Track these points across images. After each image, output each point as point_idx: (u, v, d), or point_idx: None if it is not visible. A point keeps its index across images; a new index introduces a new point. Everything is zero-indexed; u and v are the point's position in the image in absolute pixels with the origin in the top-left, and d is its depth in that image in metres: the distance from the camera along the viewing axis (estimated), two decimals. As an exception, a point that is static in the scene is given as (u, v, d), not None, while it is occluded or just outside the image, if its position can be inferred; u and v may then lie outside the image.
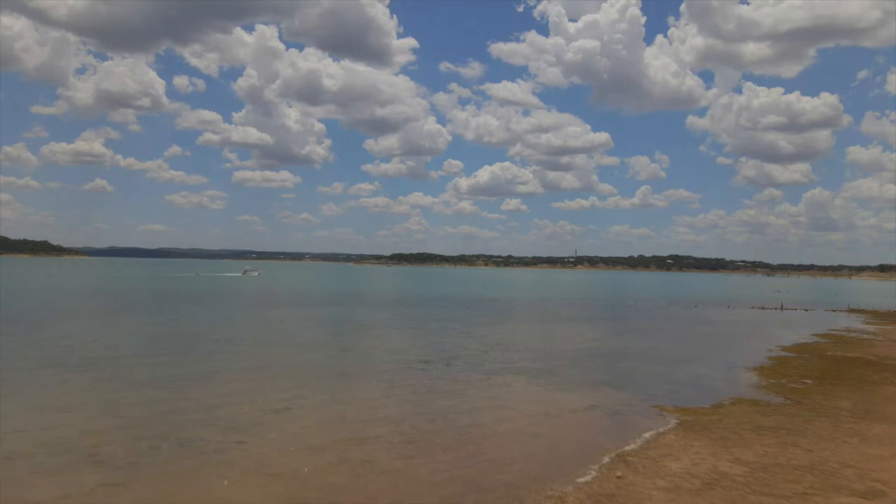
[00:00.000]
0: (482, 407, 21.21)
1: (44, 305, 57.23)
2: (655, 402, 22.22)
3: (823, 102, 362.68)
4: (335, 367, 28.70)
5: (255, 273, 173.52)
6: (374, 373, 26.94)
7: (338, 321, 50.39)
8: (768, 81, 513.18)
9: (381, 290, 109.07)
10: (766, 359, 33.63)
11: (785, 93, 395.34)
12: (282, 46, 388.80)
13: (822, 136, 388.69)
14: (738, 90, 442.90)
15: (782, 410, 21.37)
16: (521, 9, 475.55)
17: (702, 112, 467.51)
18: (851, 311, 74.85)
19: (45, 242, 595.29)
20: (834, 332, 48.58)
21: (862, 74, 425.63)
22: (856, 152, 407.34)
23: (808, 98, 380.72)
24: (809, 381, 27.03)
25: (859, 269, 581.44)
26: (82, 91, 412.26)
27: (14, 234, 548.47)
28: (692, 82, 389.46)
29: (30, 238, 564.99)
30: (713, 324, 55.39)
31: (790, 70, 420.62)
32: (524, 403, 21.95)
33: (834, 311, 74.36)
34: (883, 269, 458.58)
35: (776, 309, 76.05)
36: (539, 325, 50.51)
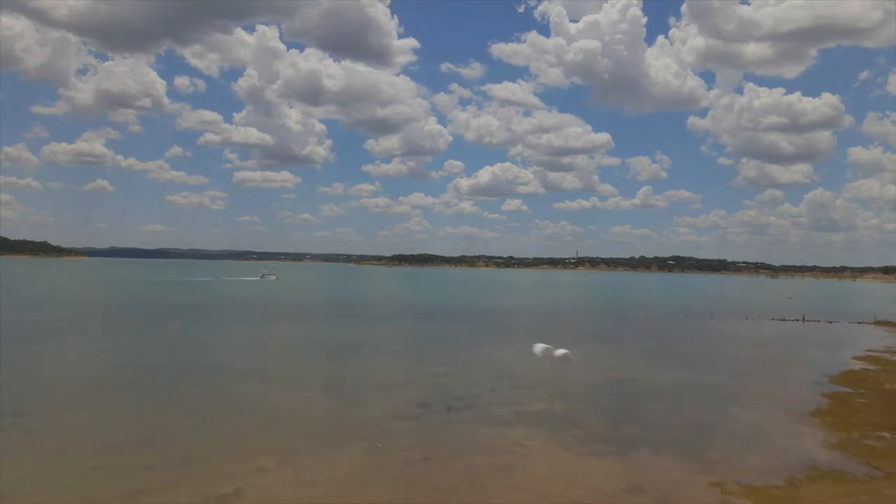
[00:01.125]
0: (491, 487, 16.48)
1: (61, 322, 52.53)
2: (713, 476, 17.49)
3: (825, 103, 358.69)
4: (313, 418, 23.92)
5: (273, 277, 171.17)
6: (359, 427, 22.14)
7: (332, 342, 45.79)
8: (769, 82, 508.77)
9: (381, 299, 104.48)
10: (819, 395, 28.93)
11: (786, 93, 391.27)
12: (282, 47, 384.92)
13: (824, 137, 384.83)
14: (739, 91, 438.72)
15: (876, 489, 16.65)
16: (521, 9, 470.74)
17: (703, 112, 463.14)
18: (879, 323, 70.03)
19: (45, 243, 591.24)
20: (875, 354, 43.83)
21: (863, 75, 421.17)
22: (857, 153, 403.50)
23: (810, 98, 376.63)
24: (887, 435, 22.31)
25: (862, 271, 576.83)
26: (83, 91, 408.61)
27: (15, 235, 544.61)
28: (693, 83, 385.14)
29: (30, 238, 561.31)
30: (739, 342, 50.71)
31: (791, 70, 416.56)
32: (546, 481, 17.18)
33: (860, 323, 69.55)
34: (887, 270, 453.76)
35: (797, 321, 71.31)
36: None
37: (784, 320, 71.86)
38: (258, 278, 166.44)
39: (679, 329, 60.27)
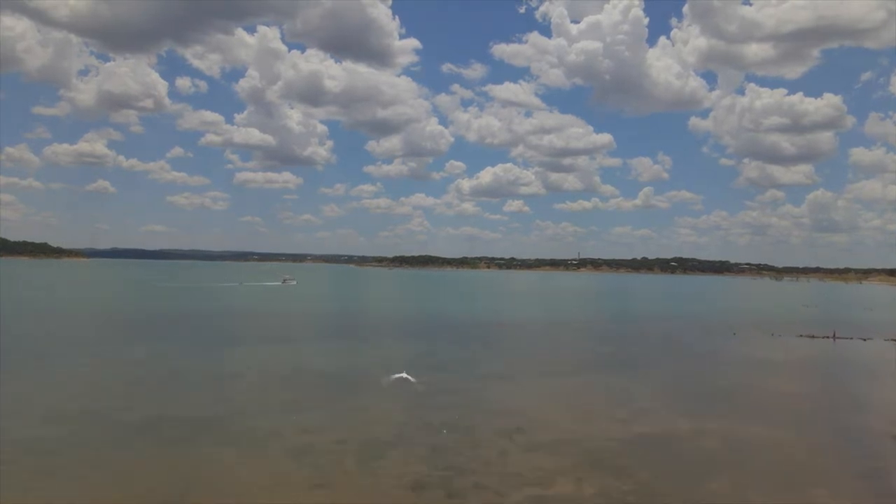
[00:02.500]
0: None
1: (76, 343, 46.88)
2: None
3: (827, 103, 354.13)
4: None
5: (294, 282, 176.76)
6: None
7: (320, 374, 40.27)
8: (771, 82, 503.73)
9: (383, 310, 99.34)
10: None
11: (788, 94, 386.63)
12: (283, 47, 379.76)
13: (825, 138, 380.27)
14: (741, 91, 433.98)
15: None
16: (523, 10, 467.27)
17: (704, 113, 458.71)
18: (919, 341, 64.25)
19: (45, 244, 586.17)
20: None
21: (865, 76, 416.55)
22: (859, 154, 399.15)
23: (812, 99, 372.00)
24: None
25: (866, 272, 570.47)
26: (84, 92, 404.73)
27: (17, 235, 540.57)
28: (695, 83, 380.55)
29: (32, 239, 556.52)
30: (776, 370, 45.08)
31: (793, 71, 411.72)
32: None
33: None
34: (893, 273, 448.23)
35: (828, 338, 65.67)
36: (563, 382, 39.94)
37: (813, 337, 66.13)
38: (280, 283, 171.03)
39: (703, 350, 54.55)
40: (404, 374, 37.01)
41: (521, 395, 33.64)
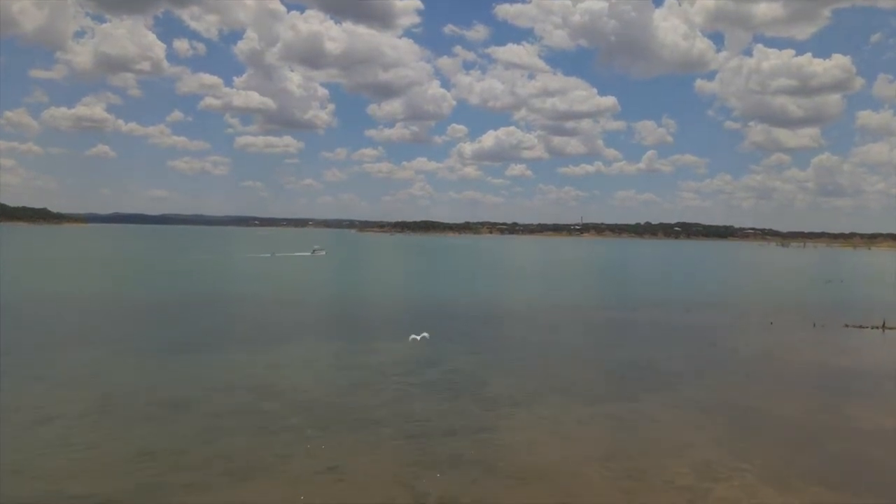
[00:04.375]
0: None
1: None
2: None
3: (835, 64, 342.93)
4: None
5: (323, 252, 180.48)
6: None
7: (298, 405, 33.00)
8: (780, 43, 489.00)
9: (379, 292, 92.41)
10: None
11: (796, 55, 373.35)
12: (282, 8, 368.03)
13: (833, 100, 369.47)
14: (748, 53, 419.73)
15: None
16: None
17: (710, 75, 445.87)
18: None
19: (45, 210, 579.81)
20: None
21: (875, 37, 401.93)
22: (866, 116, 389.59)
23: (820, 60, 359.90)
24: None
25: (872, 237, 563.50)
26: (81, 55, 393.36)
27: (18, 201, 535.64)
28: (702, 45, 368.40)
29: (33, 205, 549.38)
30: (847, 387, 37.67)
31: (803, 31, 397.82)
32: None
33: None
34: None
35: (877, 328, 58.59)
36: (587, 412, 32.68)
37: (861, 328, 58.93)
38: (310, 254, 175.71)
39: (746, 353, 47.17)
40: (425, 335, 44.43)
41: (541, 437, 26.41)
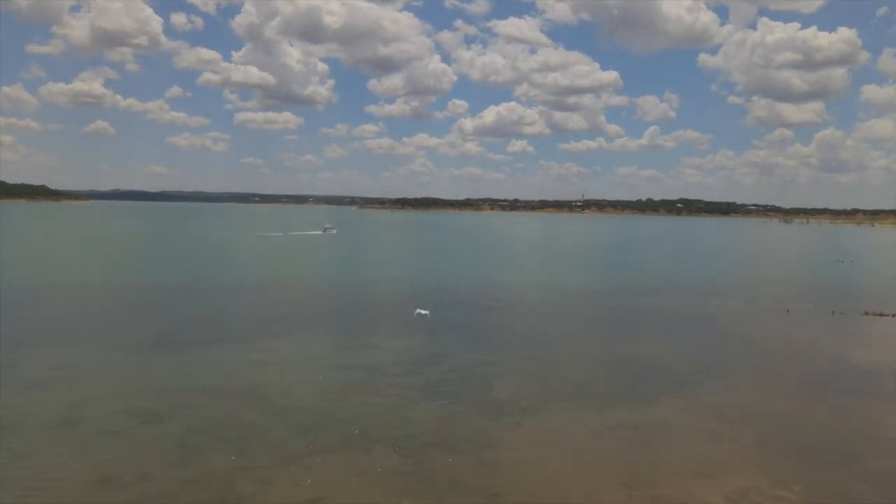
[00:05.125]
0: None
1: None
2: None
3: (841, 38, 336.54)
4: None
5: (334, 231, 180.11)
6: None
7: (284, 414, 30.47)
8: (785, 16, 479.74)
9: (383, 276, 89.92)
10: None
11: (801, 28, 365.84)
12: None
13: (838, 74, 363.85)
14: (753, 26, 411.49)
15: None
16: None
17: (714, 50, 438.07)
18: None
19: (44, 187, 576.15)
20: None
21: (882, 11, 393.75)
22: (870, 91, 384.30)
23: (826, 34, 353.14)
24: None
25: (874, 213, 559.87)
26: (77, 29, 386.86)
27: (17, 177, 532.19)
28: (706, 18, 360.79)
29: (32, 182, 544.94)
30: (878, 387, 35.01)
31: (809, 5, 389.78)
32: None
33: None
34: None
35: (896, 316, 56.01)
36: (602, 419, 30.05)
37: (882, 315, 56.24)
38: (321, 232, 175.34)
39: (768, 345, 44.63)
40: (426, 312, 48.19)
41: (551, 455, 23.81)
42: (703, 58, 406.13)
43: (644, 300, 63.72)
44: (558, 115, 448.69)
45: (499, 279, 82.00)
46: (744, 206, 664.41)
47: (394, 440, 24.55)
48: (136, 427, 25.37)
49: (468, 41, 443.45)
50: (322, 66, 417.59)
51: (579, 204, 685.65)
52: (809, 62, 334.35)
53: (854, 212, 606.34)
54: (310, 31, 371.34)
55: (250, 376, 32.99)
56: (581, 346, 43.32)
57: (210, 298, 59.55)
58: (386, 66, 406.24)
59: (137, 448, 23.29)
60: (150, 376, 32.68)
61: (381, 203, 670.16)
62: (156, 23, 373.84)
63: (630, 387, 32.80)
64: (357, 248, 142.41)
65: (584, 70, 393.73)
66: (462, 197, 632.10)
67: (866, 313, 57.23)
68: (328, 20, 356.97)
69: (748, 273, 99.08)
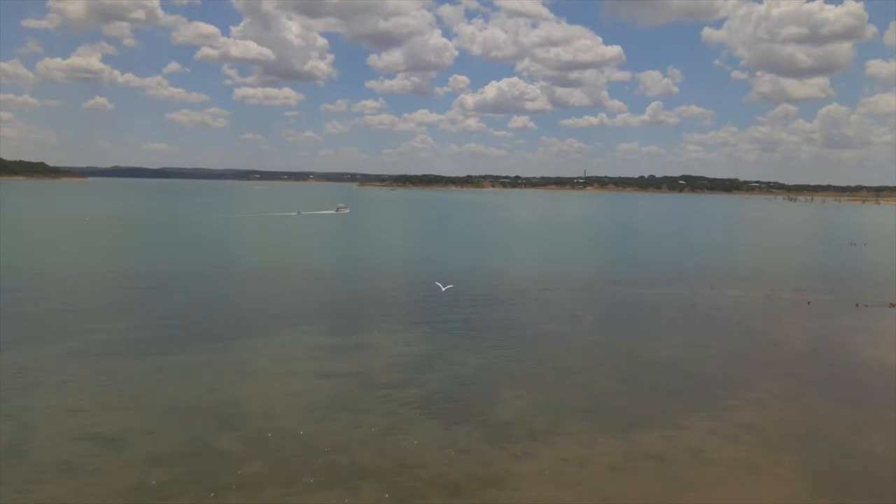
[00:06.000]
0: None
1: None
2: None
3: (847, 11, 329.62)
4: None
5: (347, 210, 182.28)
6: None
7: (262, 440, 27.20)
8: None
9: (386, 263, 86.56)
10: None
11: (807, 1, 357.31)
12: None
13: (843, 49, 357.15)
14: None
15: None
16: None
17: (718, 24, 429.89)
18: None
19: (42, 164, 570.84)
20: None
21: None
22: (876, 66, 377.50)
23: (832, 6, 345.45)
24: None
25: (878, 190, 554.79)
26: (74, 3, 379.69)
27: (17, 154, 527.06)
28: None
29: (33, 159, 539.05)
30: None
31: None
32: None
33: None
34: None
35: (926, 309, 52.62)
36: (618, 443, 26.76)
37: (909, 309, 52.88)
38: (334, 212, 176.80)
39: (789, 349, 41.32)
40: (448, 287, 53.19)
41: (569, 497, 20.53)
42: (707, 32, 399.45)
43: (658, 290, 60.13)
44: (560, 91, 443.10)
45: (507, 266, 78.51)
46: (746, 182, 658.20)
47: (386, 476, 21.26)
48: (89, 459, 22.02)
49: (469, 15, 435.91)
50: (322, 41, 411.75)
51: (581, 181, 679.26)
52: (815, 36, 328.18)
53: (858, 188, 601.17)
54: (309, 4, 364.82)
55: (226, 390, 29.58)
56: (595, 346, 39.85)
57: (202, 288, 56.00)
58: (386, 40, 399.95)
59: (85, 492, 19.96)
60: (111, 390, 29.12)
61: (381, 180, 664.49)
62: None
63: (652, 402, 29.40)
64: (368, 229, 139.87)
65: (586, 44, 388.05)
66: (463, 174, 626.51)
67: (892, 305, 53.84)
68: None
69: (762, 258, 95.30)
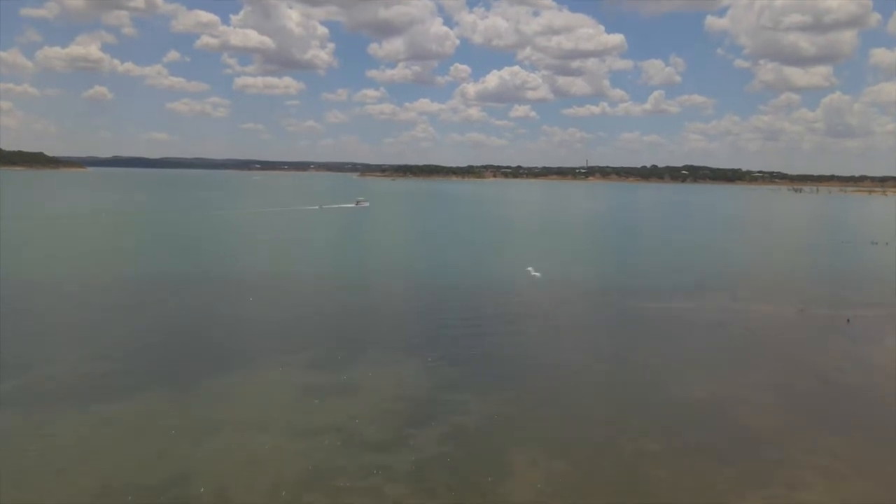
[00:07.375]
0: None
1: None
2: None
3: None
4: None
5: (367, 204, 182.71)
6: None
7: None
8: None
9: (377, 268, 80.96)
10: None
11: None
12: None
13: (847, 37, 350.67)
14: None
15: None
16: None
17: (722, 12, 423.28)
18: None
19: (41, 154, 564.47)
20: None
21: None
22: (879, 54, 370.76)
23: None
24: None
25: (882, 180, 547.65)
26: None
27: (17, 144, 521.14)
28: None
29: (31, 149, 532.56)
30: None
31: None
32: None
33: None
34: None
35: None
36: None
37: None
38: (354, 205, 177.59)
39: (842, 383, 36.07)
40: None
41: None
42: (710, 20, 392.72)
43: (678, 304, 54.47)
44: (562, 80, 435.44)
45: (514, 273, 72.88)
46: (749, 172, 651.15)
47: None
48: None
49: (471, 4, 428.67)
50: (322, 30, 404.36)
51: (583, 171, 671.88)
52: (818, 24, 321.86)
53: (862, 179, 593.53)
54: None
55: (178, 455, 24.20)
56: (620, 385, 34.34)
57: (186, 302, 50.99)
58: (387, 29, 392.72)
59: None
60: (35, 457, 23.61)
61: (382, 170, 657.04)
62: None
63: (697, 471, 24.08)
64: (388, 225, 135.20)
65: (588, 33, 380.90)
66: (464, 164, 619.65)
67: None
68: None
69: (783, 262, 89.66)
